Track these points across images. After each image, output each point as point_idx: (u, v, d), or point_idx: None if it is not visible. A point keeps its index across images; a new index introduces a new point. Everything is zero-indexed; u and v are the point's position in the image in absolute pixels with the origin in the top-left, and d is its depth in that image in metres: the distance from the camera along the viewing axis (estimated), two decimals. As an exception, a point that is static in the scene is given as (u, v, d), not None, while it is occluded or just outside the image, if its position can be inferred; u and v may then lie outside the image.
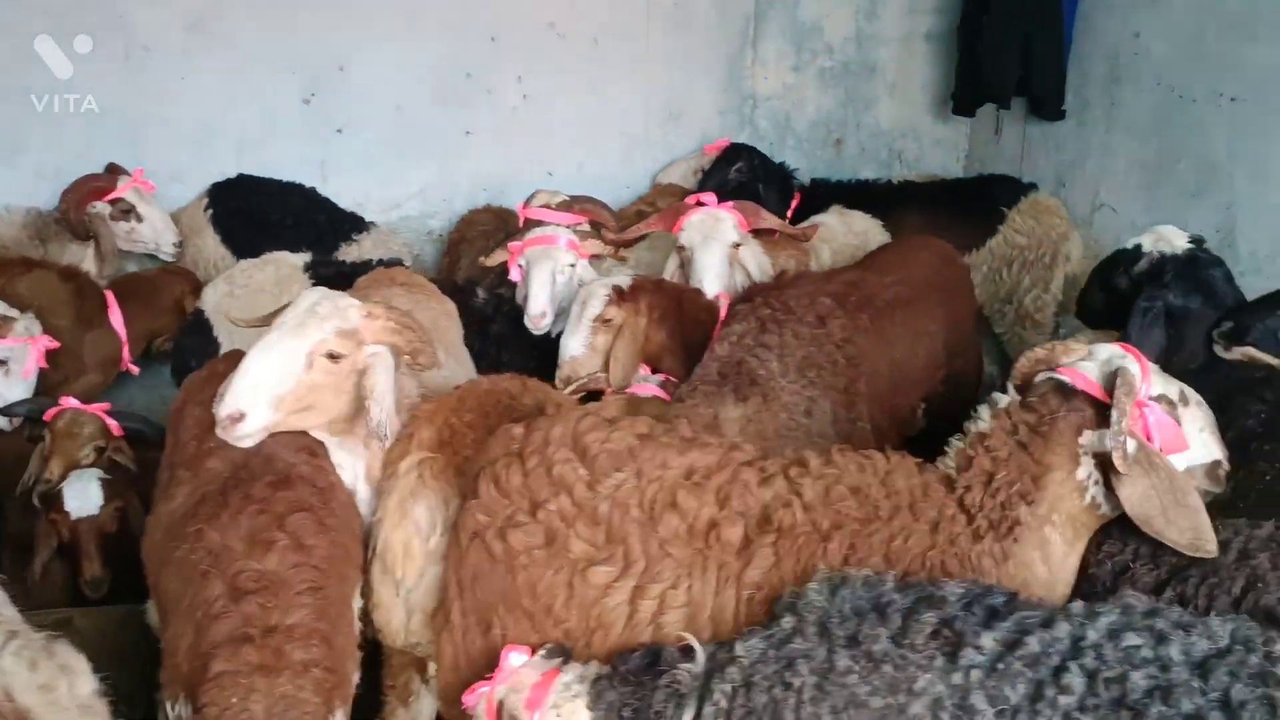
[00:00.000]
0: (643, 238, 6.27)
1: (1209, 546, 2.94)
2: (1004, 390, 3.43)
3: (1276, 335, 4.36)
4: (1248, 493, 3.59)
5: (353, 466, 3.93)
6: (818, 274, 5.64)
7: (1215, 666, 2.13)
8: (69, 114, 6.95)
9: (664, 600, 3.14)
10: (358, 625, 3.77)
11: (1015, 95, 7.86)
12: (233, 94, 7.29)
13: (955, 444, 3.35)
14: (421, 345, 3.78)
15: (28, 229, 6.70)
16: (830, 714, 2.35)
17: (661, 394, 4.87)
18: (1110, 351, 3.24)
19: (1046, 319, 7.22)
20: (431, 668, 3.89)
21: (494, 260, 5.91)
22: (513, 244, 5.78)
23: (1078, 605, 2.39)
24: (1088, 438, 3.12)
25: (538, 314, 5.50)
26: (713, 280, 5.50)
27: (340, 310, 3.72)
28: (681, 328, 5.18)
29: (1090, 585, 3.13)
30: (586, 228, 6.13)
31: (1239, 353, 4.39)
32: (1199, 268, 4.64)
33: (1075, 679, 2.16)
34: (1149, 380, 3.20)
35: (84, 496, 4.88)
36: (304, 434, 3.86)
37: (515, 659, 3.05)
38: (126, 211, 6.69)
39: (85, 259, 6.67)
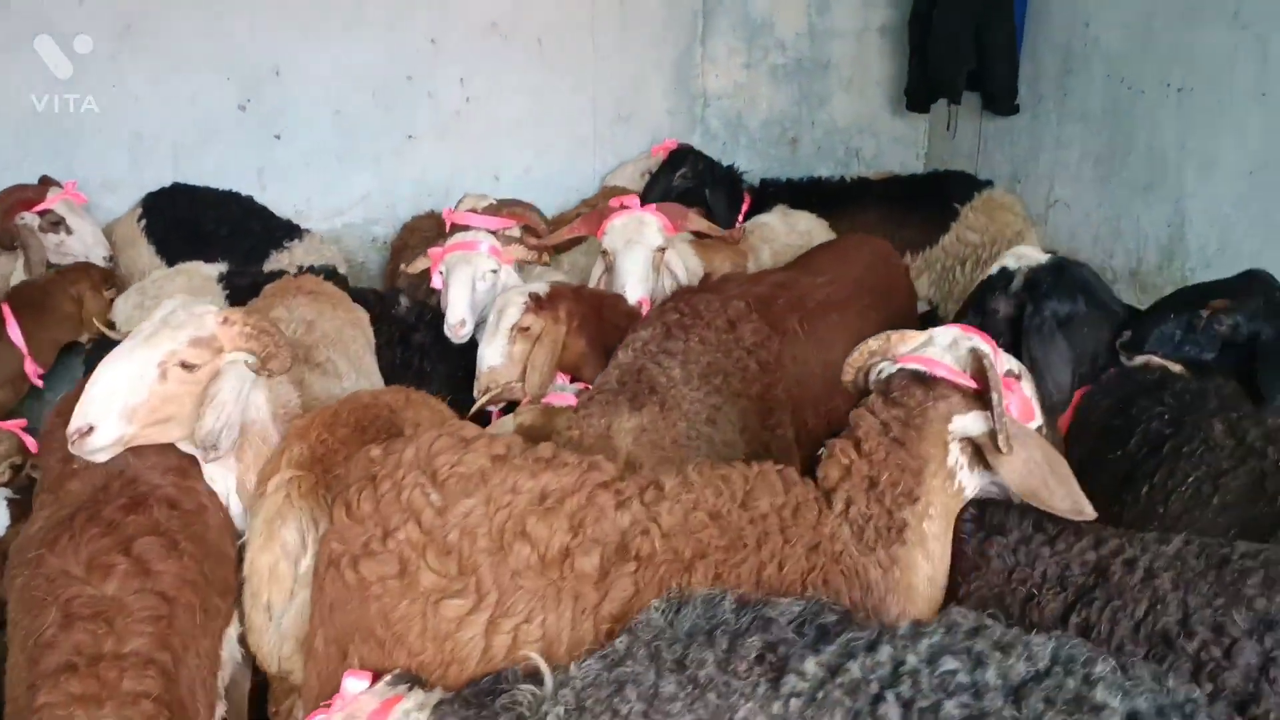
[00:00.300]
0: (577, 242, 6.13)
1: (1088, 510, 2.95)
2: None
3: (1173, 339, 4.35)
4: (1170, 495, 3.54)
5: (223, 480, 3.78)
6: (745, 276, 5.46)
7: (1031, 691, 1.99)
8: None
9: (518, 635, 2.93)
10: (230, 654, 3.64)
11: (969, 90, 7.70)
12: (166, 101, 7.12)
13: (825, 454, 3.19)
14: (274, 350, 3.61)
15: (-43, 243, 6.55)
16: (658, 742, 2.20)
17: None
18: (952, 334, 3.20)
19: (1001, 317, 7.04)
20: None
21: (416, 268, 5.75)
22: (433, 250, 5.62)
23: (906, 625, 2.23)
24: (957, 423, 3.06)
25: (456, 322, 5.31)
26: (635, 285, 5.35)
27: (195, 318, 3.58)
28: (601, 335, 5.03)
29: (1002, 608, 2.95)
30: (516, 232, 5.98)
31: (1140, 360, 4.35)
32: (1070, 271, 4.56)
33: (892, 709, 2.01)
34: (1000, 357, 3.19)
35: None
36: (178, 453, 3.71)
37: (353, 685, 2.89)
38: (56, 224, 6.52)
39: (15, 271, 6.53)
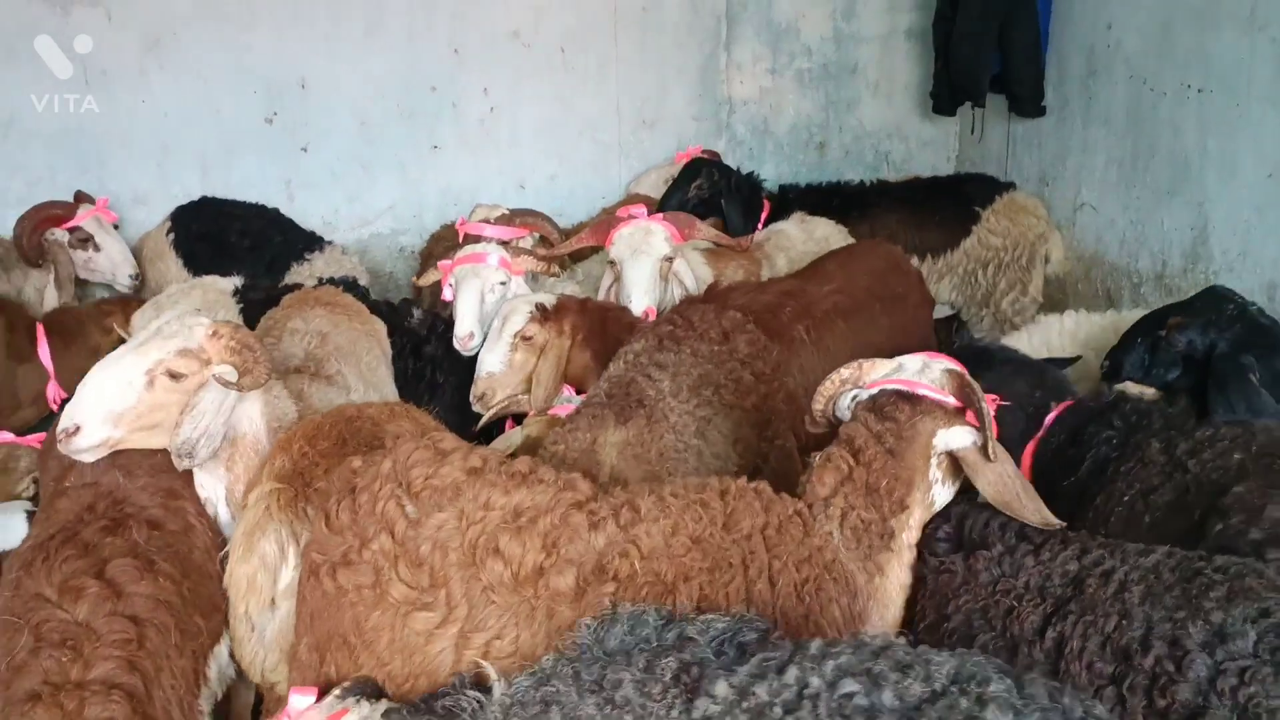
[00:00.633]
0: (591, 251, 6.14)
1: (1053, 520, 3.14)
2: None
3: (1142, 364, 4.45)
4: (1109, 515, 3.56)
5: (213, 489, 3.87)
6: (751, 285, 5.47)
7: (925, 713, 1.97)
8: (34, 136, 6.98)
9: (490, 650, 2.94)
10: (220, 669, 3.68)
11: (994, 93, 7.61)
12: (193, 115, 7.26)
13: (819, 463, 3.29)
14: (252, 365, 3.67)
15: (-11, 255, 6.71)
16: (575, 763, 2.20)
17: (583, 416, 4.74)
18: (920, 360, 3.37)
19: (1026, 322, 6.95)
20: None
21: (427, 280, 5.81)
22: (443, 263, 5.65)
23: (816, 644, 2.22)
24: (941, 437, 3.22)
25: (464, 334, 5.33)
26: (640, 295, 5.36)
27: (186, 329, 3.68)
28: (606, 349, 5.01)
29: (985, 621, 2.98)
30: (529, 242, 6.01)
31: (1119, 389, 4.36)
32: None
33: None
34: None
35: (6, 529, 4.82)
36: (171, 474, 3.78)
37: (298, 701, 2.91)
38: (85, 240, 6.67)
39: (47, 287, 6.67)
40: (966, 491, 3.40)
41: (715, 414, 4.29)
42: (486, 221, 6.09)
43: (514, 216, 6.10)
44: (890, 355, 5.11)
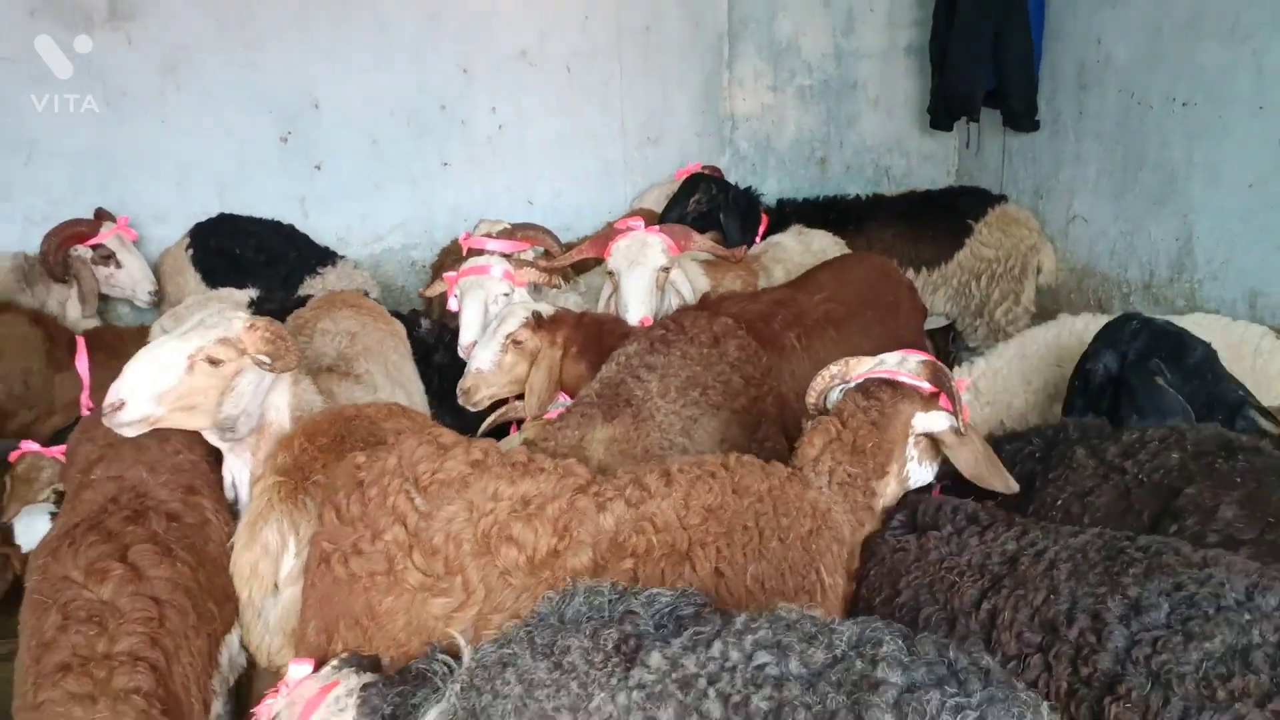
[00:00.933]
0: (591, 263, 6.32)
1: (1014, 485, 3.65)
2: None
3: (1083, 402, 4.54)
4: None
5: (239, 471, 4.15)
6: (744, 294, 5.63)
7: (824, 676, 2.16)
8: (57, 156, 7.22)
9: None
10: (232, 656, 3.89)
11: (990, 108, 7.79)
12: (210, 136, 7.49)
13: (809, 429, 3.68)
14: (284, 352, 3.95)
15: (14, 272, 6.91)
16: (529, 727, 2.40)
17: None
18: (899, 355, 3.79)
19: (1019, 332, 7.13)
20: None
21: (433, 291, 6.00)
22: (448, 275, 5.85)
23: (741, 620, 2.41)
24: (919, 420, 3.62)
25: (468, 344, 5.51)
26: (637, 305, 5.51)
27: (226, 321, 3.96)
28: (600, 359, 5.11)
29: (932, 595, 3.16)
30: (531, 255, 6.20)
31: None
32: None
33: (713, 705, 2.19)
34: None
35: (33, 531, 5.03)
36: (191, 472, 4.06)
37: (296, 671, 3.07)
38: (107, 257, 6.92)
39: (70, 301, 6.91)
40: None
41: (702, 414, 4.45)
42: (489, 236, 6.28)
43: (515, 230, 6.28)
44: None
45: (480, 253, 6.08)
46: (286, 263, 7.18)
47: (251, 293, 6.15)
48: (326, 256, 7.26)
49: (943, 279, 7.31)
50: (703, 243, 5.89)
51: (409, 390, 5.28)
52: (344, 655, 3.08)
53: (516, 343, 5.09)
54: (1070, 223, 7.36)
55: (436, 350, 5.90)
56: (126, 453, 3.99)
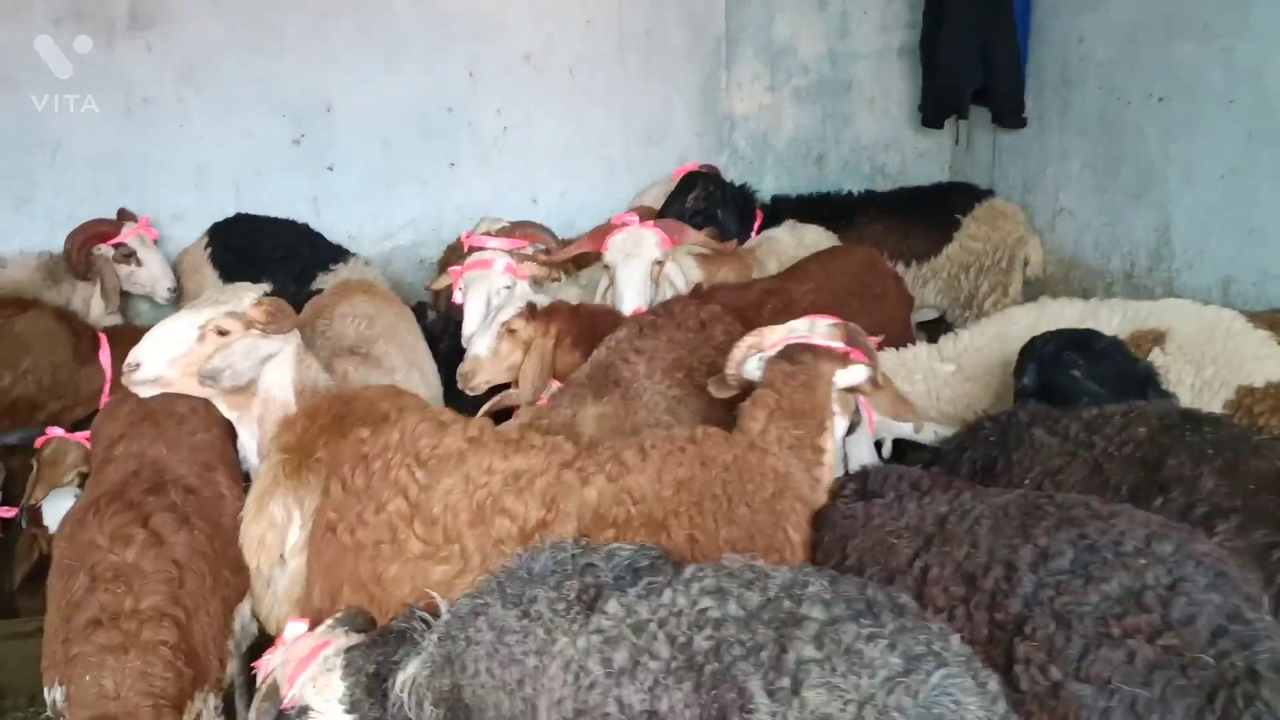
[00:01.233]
0: (588, 257, 6.58)
1: (919, 420, 4.49)
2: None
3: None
4: None
5: (248, 440, 4.55)
6: (735, 284, 5.89)
7: (758, 616, 2.43)
8: (79, 159, 7.56)
9: None
10: (244, 624, 4.18)
11: (978, 106, 8.02)
12: (227, 138, 7.80)
13: (748, 405, 3.97)
14: (280, 320, 4.41)
15: (40, 270, 7.21)
16: (500, 668, 2.67)
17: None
18: (807, 322, 4.15)
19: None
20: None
21: (439, 285, 6.28)
22: (453, 269, 6.13)
23: (690, 570, 2.69)
24: (840, 376, 4.01)
25: (471, 333, 5.76)
26: (631, 296, 5.75)
27: (236, 297, 4.42)
28: (594, 348, 5.40)
29: (873, 557, 3.38)
30: (530, 250, 6.46)
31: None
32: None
33: (661, 646, 2.47)
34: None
35: (60, 512, 5.22)
36: (208, 450, 4.43)
37: (293, 630, 3.29)
38: (128, 255, 7.18)
39: (93, 298, 7.21)
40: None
41: (686, 394, 4.71)
42: (489, 234, 6.55)
43: (514, 228, 6.55)
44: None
45: (481, 250, 6.35)
46: (300, 259, 7.45)
47: (265, 287, 6.39)
48: (339, 254, 7.54)
49: (933, 272, 7.53)
50: (695, 236, 6.14)
51: (424, 370, 5.65)
52: (338, 615, 3.29)
53: (511, 331, 5.33)
54: (1057, 216, 7.58)
55: (442, 340, 6.17)
56: (147, 432, 4.33)
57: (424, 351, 5.80)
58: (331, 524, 3.65)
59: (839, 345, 4.02)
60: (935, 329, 7.71)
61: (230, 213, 7.74)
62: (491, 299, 5.92)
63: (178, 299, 7.34)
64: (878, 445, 5.19)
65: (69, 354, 6.46)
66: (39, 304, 6.70)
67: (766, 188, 8.48)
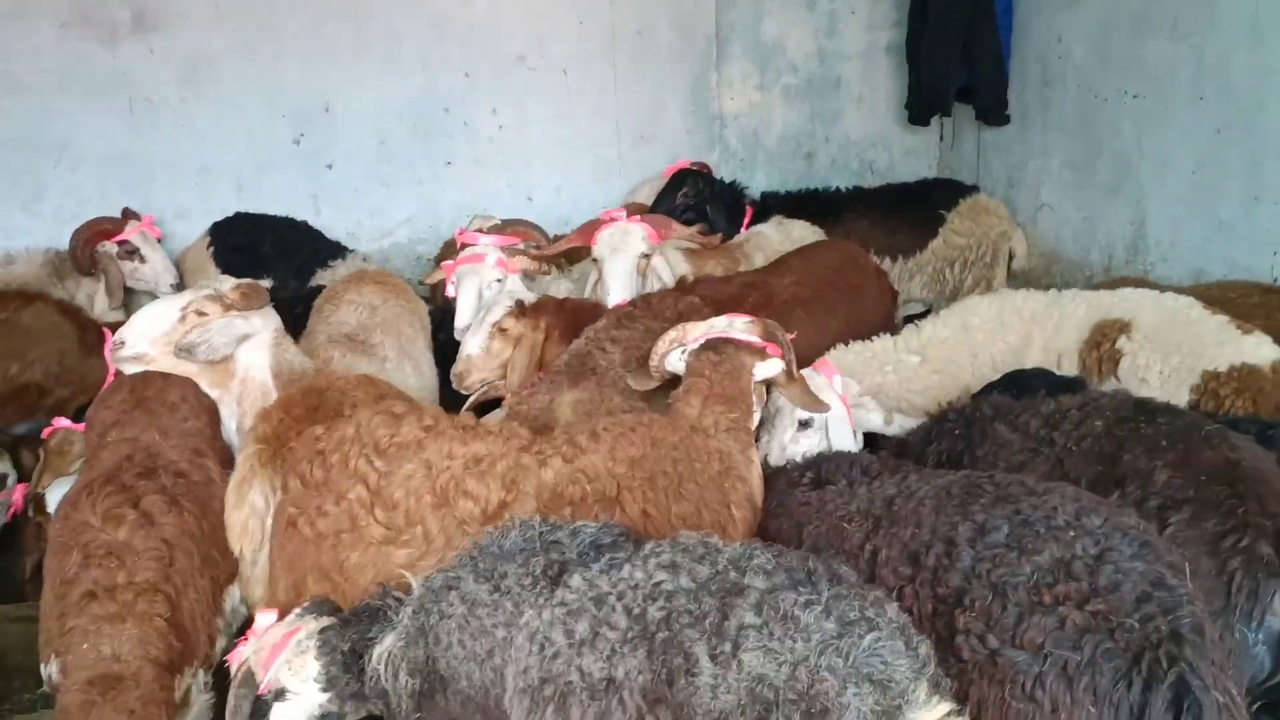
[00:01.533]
0: (579, 252, 6.75)
1: (827, 407, 4.58)
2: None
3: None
4: None
5: (229, 417, 4.84)
6: (717, 278, 6.03)
7: (706, 587, 2.61)
8: (85, 159, 7.77)
9: None
10: (230, 608, 4.29)
11: (962, 103, 8.18)
12: (228, 138, 8.01)
13: (680, 393, 4.22)
14: (249, 299, 4.73)
15: (47, 267, 7.40)
16: (470, 639, 2.86)
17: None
18: (726, 319, 4.40)
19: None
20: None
21: (433, 279, 6.47)
22: (446, 263, 6.31)
23: (649, 546, 2.87)
24: (759, 368, 4.26)
25: (463, 326, 5.94)
26: (618, 289, 5.92)
27: (217, 283, 4.79)
28: (578, 340, 5.62)
29: (828, 542, 3.52)
30: (522, 246, 6.64)
31: None
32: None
33: (619, 617, 2.65)
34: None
35: None
36: (199, 437, 4.57)
37: (263, 619, 3.39)
38: (132, 252, 7.37)
39: (98, 294, 7.41)
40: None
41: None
42: (480, 231, 6.73)
43: (505, 225, 6.74)
44: (850, 341, 5.70)
45: (473, 245, 6.52)
46: (300, 256, 7.64)
47: (266, 282, 6.60)
48: (337, 251, 7.73)
49: (918, 266, 7.68)
50: (682, 231, 6.30)
51: (418, 362, 5.82)
52: (306, 604, 3.39)
53: (502, 330, 5.51)
54: (1039, 211, 7.75)
55: (439, 331, 6.33)
56: (139, 419, 4.50)
57: (423, 345, 5.97)
58: (292, 518, 3.75)
59: (757, 340, 4.27)
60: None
61: (232, 211, 7.95)
62: (483, 292, 6.08)
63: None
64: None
65: (74, 344, 6.62)
66: (44, 297, 6.89)
67: (757, 184, 8.64)
